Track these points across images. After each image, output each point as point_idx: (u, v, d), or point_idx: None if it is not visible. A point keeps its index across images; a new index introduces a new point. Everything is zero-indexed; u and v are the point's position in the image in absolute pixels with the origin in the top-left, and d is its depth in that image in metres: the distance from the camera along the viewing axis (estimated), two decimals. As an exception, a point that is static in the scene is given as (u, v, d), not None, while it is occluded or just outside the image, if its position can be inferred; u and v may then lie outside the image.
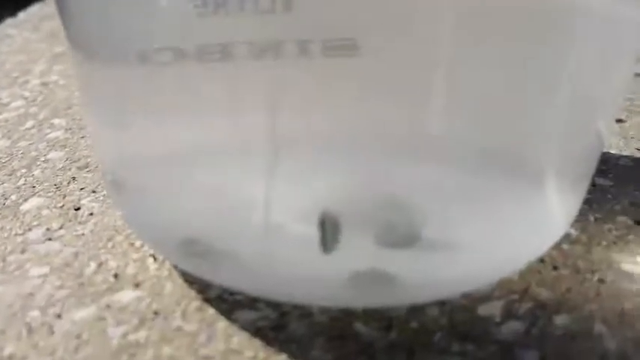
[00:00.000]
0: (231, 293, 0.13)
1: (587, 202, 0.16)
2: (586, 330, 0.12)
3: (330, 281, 0.12)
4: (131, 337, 0.12)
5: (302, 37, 0.10)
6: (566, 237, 0.15)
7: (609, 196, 0.17)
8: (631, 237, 0.15)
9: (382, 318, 0.12)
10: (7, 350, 0.12)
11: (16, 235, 0.15)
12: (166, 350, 0.12)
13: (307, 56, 0.10)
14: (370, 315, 0.12)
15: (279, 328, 0.12)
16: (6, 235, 0.15)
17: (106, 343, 0.12)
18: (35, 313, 0.13)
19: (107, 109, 0.12)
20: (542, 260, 0.14)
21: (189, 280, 0.13)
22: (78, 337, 0.12)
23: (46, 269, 0.14)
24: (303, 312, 0.13)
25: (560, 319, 0.13)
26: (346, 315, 0.12)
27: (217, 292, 0.13)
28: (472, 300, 0.13)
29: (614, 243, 0.15)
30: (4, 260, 0.14)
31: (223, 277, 0.12)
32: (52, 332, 0.12)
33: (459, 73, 0.11)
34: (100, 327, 0.12)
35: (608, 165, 0.18)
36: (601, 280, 0.14)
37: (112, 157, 0.13)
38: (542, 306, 0.13)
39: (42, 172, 0.18)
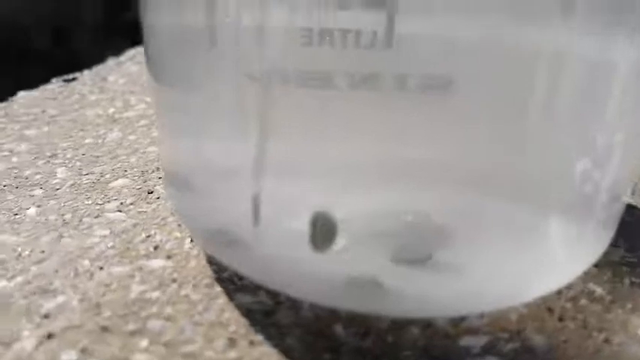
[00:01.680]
0: (241, 278, 0.14)
1: (629, 266, 0.15)
2: (566, 382, 0.12)
3: (326, 282, 0.13)
4: (146, 295, 0.14)
5: (400, 72, 0.11)
6: (589, 294, 0.14)
7: (654, 262, 0.15)
8: (660, 305, 0.14)
9: (363, 325, 0.13)
10: (54, 285, 0.14)
11: (97, 204, 0.18)
12: (168, 310, 0.13)
13: (403, 89, 0.11)
14: (353, 320, 0.13)
15: (268, 314, 0.13)
16: (90, 202, 0.18)
17: (126, 294, 0.14)
18: (85, 262, 0.15)
19: (183, 123, 0.14)
20: (549, 309, 0.14)
21: (212, 261, 0.15)
22: (107, 286, 0.14)
23: (107, 232, 0.17)
24: (295, 305, 0.14)
25: (542, 366, 0.12)
26: (331, 315, 0.13)
27: (229, 275, 0.15)
28: (458, 329, 0.13)
29: (641, 309, 0.14)
30: (80, 220, 0.17)
31: (234, 263, 0.14)
32: (91, 278, 0.15)
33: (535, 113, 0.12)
34: (126, 282, 0.14)
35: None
36: (607, 340, 0.13)
37: (174, 161, 0.15)
38: (529, 350, 0.13)
39: (137, 160, 0.21)
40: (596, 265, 0.15)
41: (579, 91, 0.12)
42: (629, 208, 0.18)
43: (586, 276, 0.15)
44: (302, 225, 0.12)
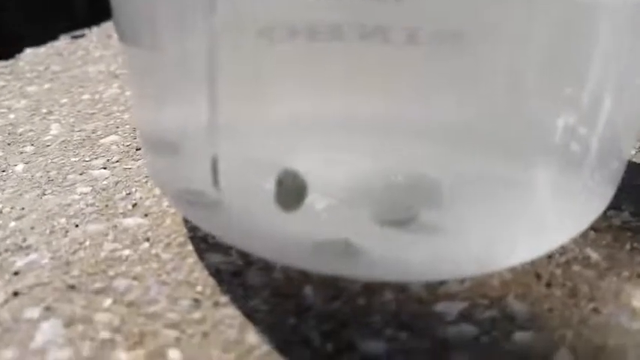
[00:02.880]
0: (214, 237, 0.14)
1: (632, 230, 0.14)
2: (543, 354, 0.11)
3: (294, 243, 0.12)
4: (117, 253, 0.14)
5: (410, 24, 0.10)
6: (583, 259, 0.13)
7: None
8: (660, 273, 0.13)
9: (333, 288, 0.13)
10: (28, 241, 0.14)
11: (84, 160, 0.18)
12: (137, 269, 0.13)
13: (414, 42, 0.10)
14: (325, 283, 0.13)
15: (237, 275, 0.13)
16: (77, 159, 0.18)
17: (97, 252, 0.14)
18: (62, 220, 0.15)
19: (151, 81, 0.13)
20: (537, 275, 0.13)
21: (188, 220, 0.15)
22: (80, 243, 0.14)
23: (88, 189, 0.16)
24: (266, 266, 0.13)
25: (520, 336, 0.11)
26: (303, 277, 0.13)
27: (203, 234, 0.14)
28: (434, 295, 0.12)
29: (638, 276, 0.13)
30: (64, 178, 0.17)
31: (202, 222, 0.14)
32: (65, 236, 0.14)
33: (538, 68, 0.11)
34: (99, 240, 0.14)
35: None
36: (596, 310, 0.12)
37: (143, 120, 0.14)
38: (509, 318, 0.12)
39: (130, 117, 0.21)
40: (595, 229, 0.14)
41: (575, 42, 0.11)
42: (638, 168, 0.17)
43: (583, 240, 0.14)
44: (268, 184, 0.12)
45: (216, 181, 0.12)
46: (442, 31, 0.10)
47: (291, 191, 0.12)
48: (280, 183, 0.12)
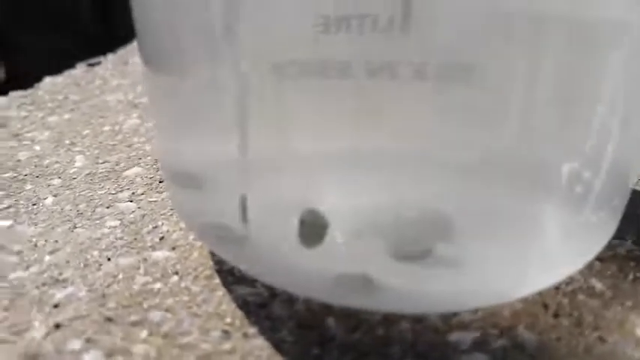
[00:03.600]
0: (240, 270, 0.15)
1: (635, 260, 0.15)
2: (553, 380, 0.12)
3: (316, 277, 0.13)
4: (149, 286, 0.15)
5: (417, 59, 0.11)
6: (589, 289, 0.14)
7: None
8: (660, 303, 0.14)
9: (354, 319, 0.13)
10: (65, 275, 0.15)
11: (109, 193, 0.19)
12: (169, 301, 0.14)
13: (421, 78, 0.11)
14: (345, 314, 0.13)
15: (263, 306, 0.14)
16: (104, 192, 0.19)
17: (130, 285, 0.15)
18: (95, 253, 0.16)
19: (177, 114, 0.14)
20: (545, 305, 0.14)
21: (214, 253, 0.16)
22: (114, 277, 0.15)
23: (117, 223, 0.17)
24: (289, 298, 0.14)
25: (530, 364, 0.12)
26: (325, 309, 0.14)
27: (229, 267, 0.15)
28: (448, 325, 0.13)
29: (641, 306, 0.14)
30: (93, 210, 0.18)
31: (228, 256, 0.14)
32: (99, 269, 0.15)
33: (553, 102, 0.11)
34: (131, 273, 0.15)
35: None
36: (601, 339, 0.13)
37: (168, 152, 0.15)
38: (519, 348, 0.13)
39: (151, 148, 0.22)
40: (600, 259, 0.15)
41: (584, 76, 0.12)
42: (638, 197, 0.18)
43: (589, 270, 0.15)
44: (292, 221, 0.13)
45: (244, 218, 0.13)
46: (448, 66, 0.11)
47: (313, 230, 0.13)
48: (303, 222, 0.13)
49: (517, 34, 0.11)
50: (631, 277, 0.15)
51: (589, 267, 0.15)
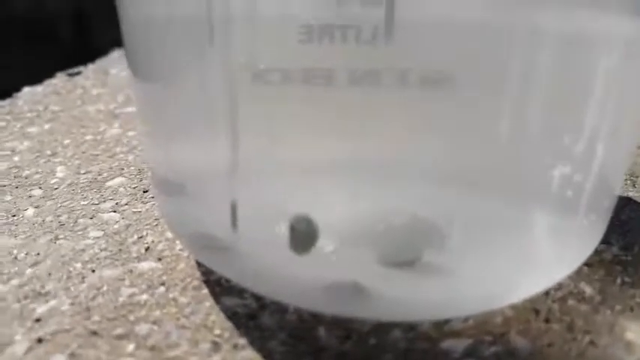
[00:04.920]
0: (228, 280, 0.15)
1: (622, 264, 0.15)
2: (546, 386, 0.12)
3: (306, 286, 0.13)
4: (135, 298, 0.14)
5: (401, 67, 0.11)
6: (578, 294, 0.14)
7: (647, 261, 0.15)
8: (649, 307, 0.14)
9: (345, 328, 0.13)
10: (47, 288, 0.15)
11: (92, 204, 0.19)
12: (156, 313, 0.14)
13: (405, 85, 0.11)
14: (336, 323, 0.13)
15: (252, 317, 0.14)
16: (87, 203, 0.19)
17: (115, 298, 0.14)
18: (78, 265, 0.16)
19: (165, 122, 0.14)
20: (536, 311, 0.14)
21: (201, 263, 0.15)
22: (98, 289, 0.15)
23: (100, 234, 0.17)
24: (279, 308, 0.14)
25: (523, 370, 0.12)
26: (315, 319, 0.13)
27: (217, 277, 0.15)
28: (441, 332, 0.13)
29: (631, 309, 0.14)
30: (75, 222, 0.18)
31: (217, 266, 0.14)
32: (82, 281, 0.15)
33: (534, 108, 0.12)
34: (116, 285, 0.15)
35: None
36: (592, 343, 0.13)
37: (155, 160, 0.15)
38: (511, 353, 0.13)
39: (134, 158, 0.22)
40: (588, 264, 0.15)
41: (573, 87, 0.12)
42: (625, 203, 0.18)
43: (577, 275, 0.15)
44: (281, 230, 0.13)
45: (235, 226, 0.13)
46: (432, 74, 0.11)
47: (303, 236, 0.13)
48: (293, 228, 0.13)
49: (500, 42, 0.11)
50: (619, 281, 0.15)
51: (578, 272, 0.15)
